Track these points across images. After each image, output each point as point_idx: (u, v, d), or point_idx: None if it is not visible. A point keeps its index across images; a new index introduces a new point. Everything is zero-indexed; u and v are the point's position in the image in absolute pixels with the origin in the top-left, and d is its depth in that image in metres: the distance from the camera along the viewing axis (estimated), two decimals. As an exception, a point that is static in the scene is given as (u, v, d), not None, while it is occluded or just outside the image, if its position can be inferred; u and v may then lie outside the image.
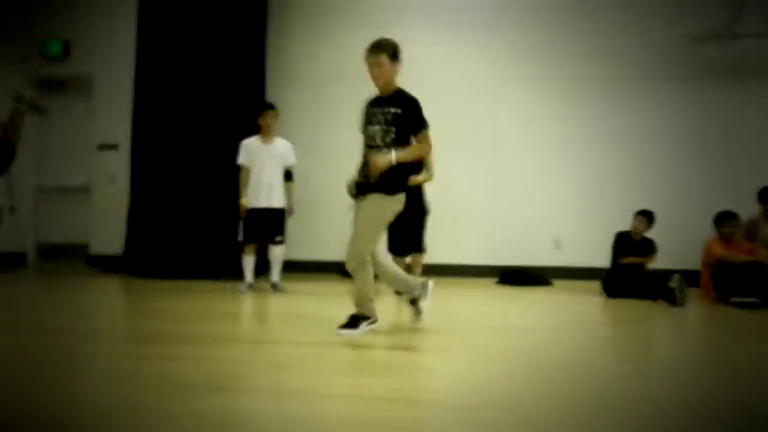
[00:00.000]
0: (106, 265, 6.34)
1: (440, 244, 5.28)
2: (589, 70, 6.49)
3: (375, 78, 3.01)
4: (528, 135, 6.51)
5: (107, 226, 6.67)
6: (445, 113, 5.58)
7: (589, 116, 6.55)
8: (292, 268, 6.00)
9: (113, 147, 6.83)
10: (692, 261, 5.38)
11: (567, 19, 6.50)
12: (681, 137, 6.41)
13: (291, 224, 5.29)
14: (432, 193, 4.75)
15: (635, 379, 2.39)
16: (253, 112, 5.31)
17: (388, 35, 3.13)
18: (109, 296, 4.97)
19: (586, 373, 2.43)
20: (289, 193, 5.12)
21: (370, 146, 3.05)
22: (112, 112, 6.78)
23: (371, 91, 3.14)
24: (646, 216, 5.26)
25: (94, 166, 6.90)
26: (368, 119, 3.09)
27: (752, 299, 4.53)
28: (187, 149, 6.02)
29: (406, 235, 4.50)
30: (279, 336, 3.17)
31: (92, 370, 2.39)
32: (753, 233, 5.20)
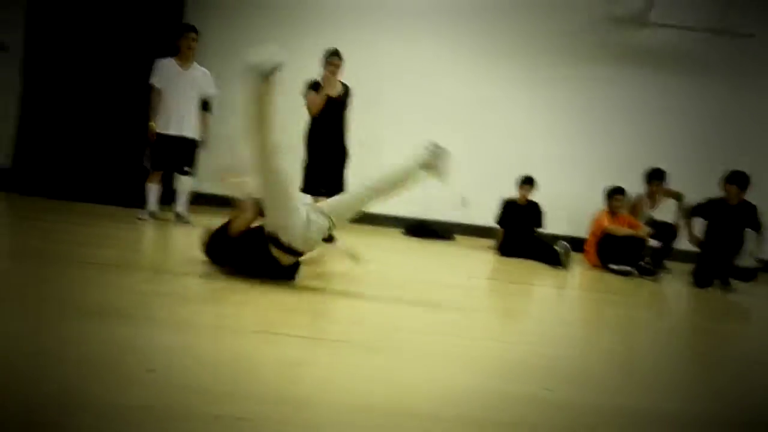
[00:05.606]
0: (-13, 178, 5.79)
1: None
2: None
3: None
4: (450, 104, 6.64)
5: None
6: (385, 77, 5.54)
7: (498, 90, 6.77)
8: (202, 201, 5.82)
9: (2, 48, 6.14)
10: (581, 229, 5.87)
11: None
12: (574, 118, 6.82)
13: (203, 156, 5.09)
14: (356, 139, 4.77)
15: (523, 332, 2.63)
16: (170, 33, 4.94)
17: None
18: (-9, 211, 4.58)
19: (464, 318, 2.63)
20: (204, 125, 4.90)
21: None
22: None
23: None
24: (529, 183, 5.72)
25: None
26: None
27: (628, 268, 5.07)
28: (92, 61, 5.54)
29: (329, 176, 4.55)
30: (181, 267, 3.10)
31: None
32: (636, 210, 5.74)
